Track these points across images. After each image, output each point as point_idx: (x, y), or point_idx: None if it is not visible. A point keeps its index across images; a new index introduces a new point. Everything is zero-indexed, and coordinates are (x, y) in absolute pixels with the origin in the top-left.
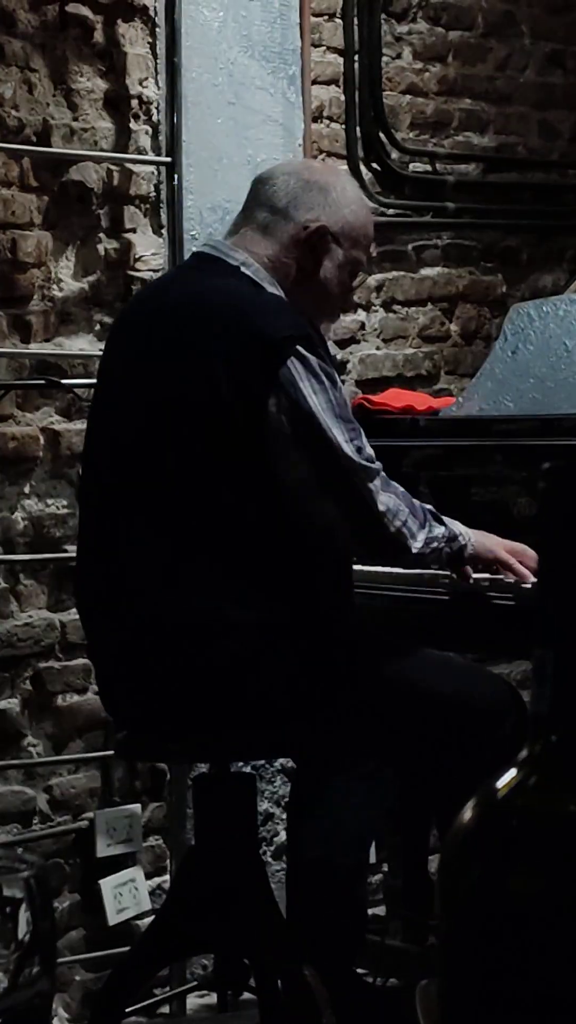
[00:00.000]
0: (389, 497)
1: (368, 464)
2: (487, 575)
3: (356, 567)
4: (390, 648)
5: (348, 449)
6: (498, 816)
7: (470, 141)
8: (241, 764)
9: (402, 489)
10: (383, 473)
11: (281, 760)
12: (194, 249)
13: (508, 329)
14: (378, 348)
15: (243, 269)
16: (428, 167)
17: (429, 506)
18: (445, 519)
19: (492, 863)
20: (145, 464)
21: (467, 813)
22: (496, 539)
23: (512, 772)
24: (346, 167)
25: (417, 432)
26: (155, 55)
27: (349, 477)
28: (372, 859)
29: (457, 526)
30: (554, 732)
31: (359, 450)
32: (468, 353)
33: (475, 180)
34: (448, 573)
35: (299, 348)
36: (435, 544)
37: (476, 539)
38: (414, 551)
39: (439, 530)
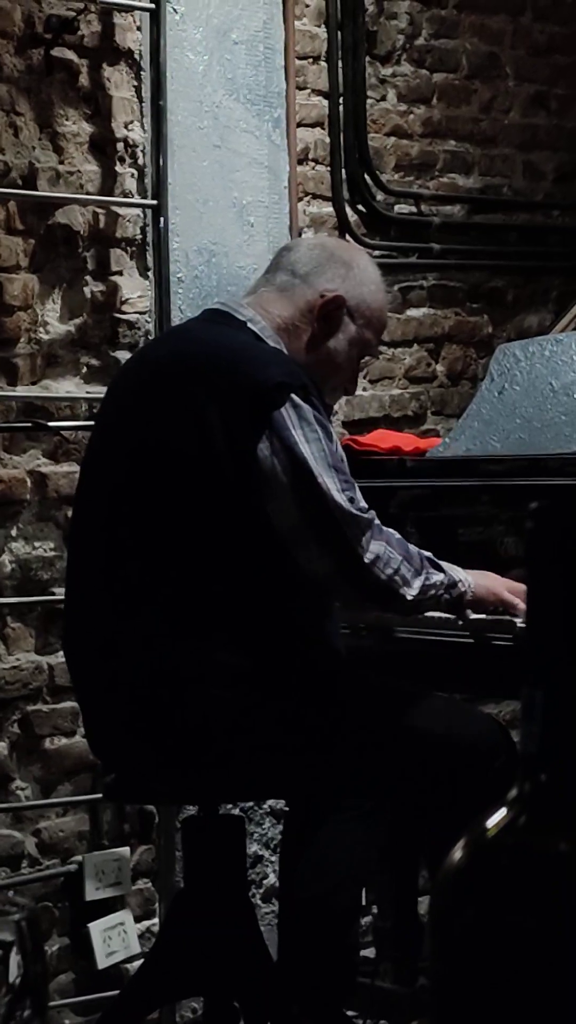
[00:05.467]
0: (380, 545)
1: (359, 514)
2: (484, 615)
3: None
4: (379, 688)
5: (339, 498)
6: (489, 856)
7: (455, 182)
8: (230, 806)
9: (398, 537)
10: (377, 522)
11: (270, 802)
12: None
13: (494, 369)
14: (365, 389)
15: (249, 324)
16: (413, 208)
17: (428, 553)
18: (444, 565)
19: (483, 902)
20: (135, 509)
21: (457, 853)
22: (497, 579)
23: (502, 811)
24: (332, 210)
25: (404, 473)
26: (140, 98)
27: (339, 526)
28: (362, 901)
29: (457, 572)
30: (543, 771)
31: (351, 500)
32: (454, 394)
33: (460, 221)
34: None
35: (293, 395)
36: (432, 591)
37: (476, 582)
38: (408, 598)
39: (437, 577)
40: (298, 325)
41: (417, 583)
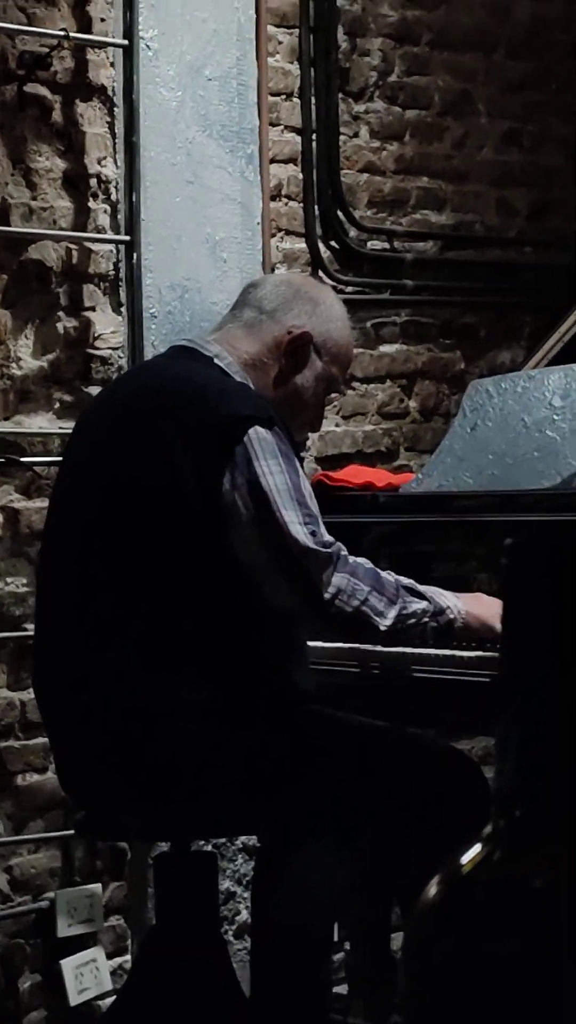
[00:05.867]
0: (342, 578)
1: (319, 548)
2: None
3: (315, 644)
4: (350, 724)
5: (298, 531)
6: (464, 890)
7: (428, 219)
8: (202, 842)
9: (368, 567)
10: (343, 555)
11: (242, 839)
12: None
13: (467, 405)
14: (337, 425)
15: (216, 360)
16: (386, 245)
17: (408, 581)
18: (432, 591)
19: (459, 937)
20: (106, 544)
21: (433, 888)
22: (491, 604)
23: (477, 847)
24: (305, 246)
25: (377, 508)
26: (113, 134)
27: (297, 560)
28: (334, 937)
29: (445, 599)
30: (518, 807)
31: (312, 534)
32: (427, 429)
33: (433, 258)
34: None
35: (258, 428)
36: (412, 620)
37: (468, 610)
38: (383, 629)
39: (417, 606)
40: (265, 361)
41: (391, 613)
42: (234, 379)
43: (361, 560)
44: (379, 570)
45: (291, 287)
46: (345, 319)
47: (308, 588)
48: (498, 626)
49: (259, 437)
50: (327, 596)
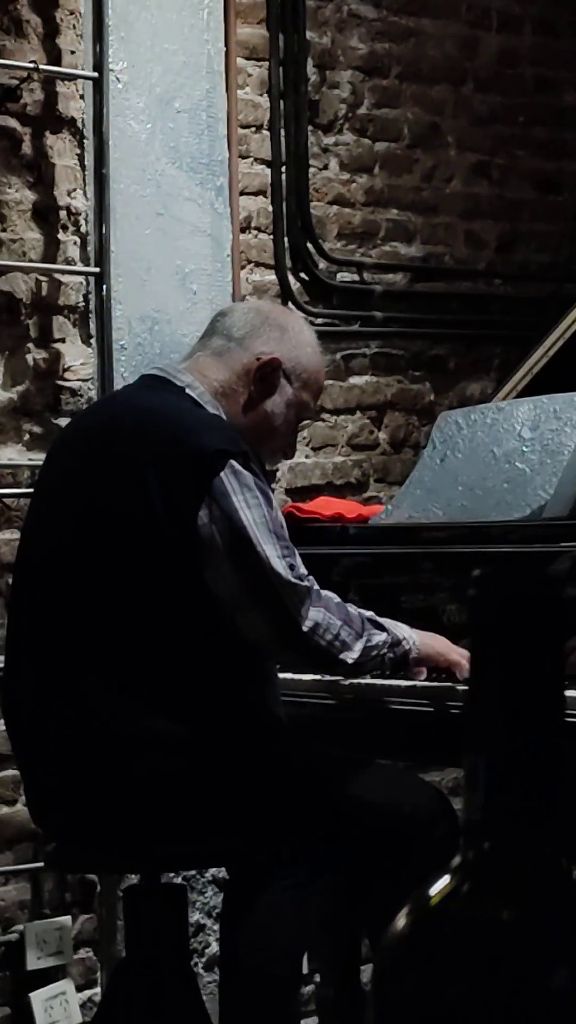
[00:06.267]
0: (319, 612)
1: (298, 582)
2: (428, 682)
3: (286, 676)
4: (320, 757)
5: (278, 565)
6: (432, 923)
7: (397, 251)
8: (172, 875)
9: (337, 600)
10: (316, 588)
11: (212, 871)
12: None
13: (436, 437)
14: (307, 456)
15: (188, 390)
16: (355, 277)
17: (369, 613)
18: (388, 623)
19: (427, 970)
20: (76, 576)
21: (401, 921)
22: (444, 641)
23: (445, 879)
24: (275, 278)
25: (347, 540)
26: (83, 166)
27: (277, 593)
28: (304, 969)
29: (401, 630)
30: (487, 839)
31: (291, 567)
32: (397, 461)
33: (402, 290)
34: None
35: (233, 462)
36: (375, 652)
37: (422, 641)
38: (349, 663)
39: (379, 637)
40: (235, 389)
41: (358, 646)
42: (207, 410)
43: (329, 593)
44: (345, 603)
45: (259, 314)
46: (315, 345)
47: (286, 622)
48: (452, 657)
49: (235, 471)
50: (305, 629)
